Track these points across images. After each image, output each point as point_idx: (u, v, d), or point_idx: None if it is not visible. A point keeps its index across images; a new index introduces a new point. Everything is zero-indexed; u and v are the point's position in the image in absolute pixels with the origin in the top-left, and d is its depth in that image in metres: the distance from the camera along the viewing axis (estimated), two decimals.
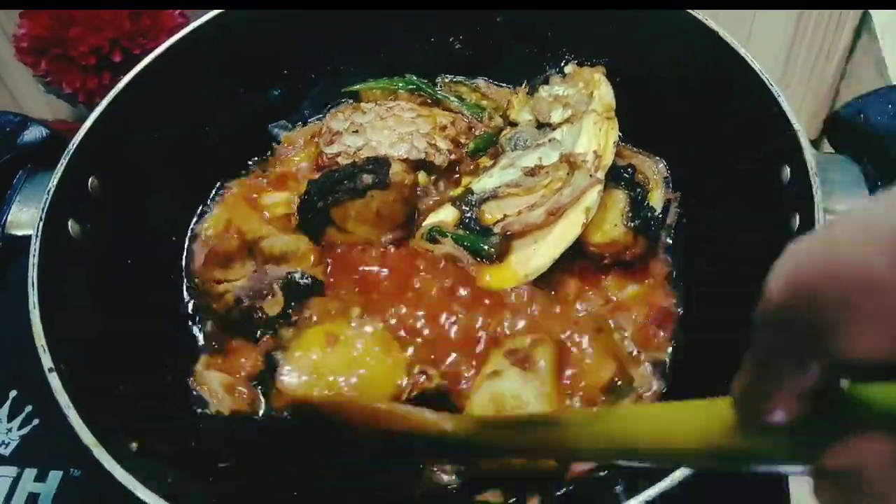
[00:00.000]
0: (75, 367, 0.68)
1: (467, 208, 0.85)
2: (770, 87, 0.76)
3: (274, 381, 0.75)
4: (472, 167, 0.93)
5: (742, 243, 0.78)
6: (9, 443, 0.91)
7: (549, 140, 0.87)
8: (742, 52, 0.79)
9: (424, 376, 0.75)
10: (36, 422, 0.93)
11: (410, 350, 0.78)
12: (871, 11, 1.13)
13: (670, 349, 0.82)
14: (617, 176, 0.85)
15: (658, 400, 0.78)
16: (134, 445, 0.68)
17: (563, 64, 0.97)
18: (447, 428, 0.55)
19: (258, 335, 0.82)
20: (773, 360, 0.32)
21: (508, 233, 0.82)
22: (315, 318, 0.80)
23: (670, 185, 0.92)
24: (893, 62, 1.07)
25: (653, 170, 0.92)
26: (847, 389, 0.32)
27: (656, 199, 0.89)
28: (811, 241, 0.29)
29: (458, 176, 0.94)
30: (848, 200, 0.72)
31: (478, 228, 0.84)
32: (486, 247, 0.83)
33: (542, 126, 0.92)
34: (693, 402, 0.39)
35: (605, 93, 0.89)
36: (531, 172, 0.85)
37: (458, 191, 0.89)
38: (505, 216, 0.83)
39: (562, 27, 0.97)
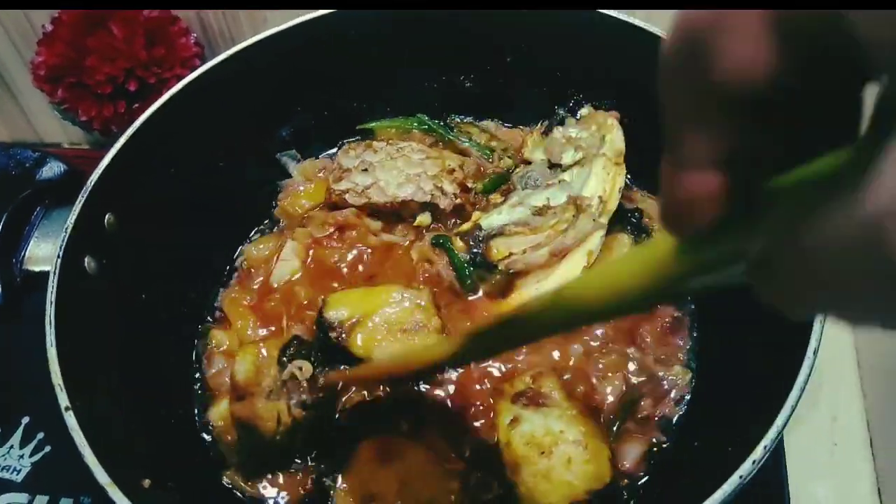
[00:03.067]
0: (91, 405, 0.69)
1: (474, 243, 0.87)
2: None
3: None
4: (483, 203, 0.95)
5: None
6: (21, 469, 0.92)
7: (560, 181, 0.89)
8: None
9: (482, 486, 0.75)
10: (48, 449, 0.94)
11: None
12: None
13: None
14: (623, 219, 0.87)
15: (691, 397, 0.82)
16: (147, 482, 0.70)
17: (571, 104, 0.99)
18: (446, 352, 0.59)
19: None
20: (677, 125, 0.34)
21: (511, 271, 0.84)
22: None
23: None
24: None
25: None
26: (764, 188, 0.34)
27: None
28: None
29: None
30: None
31: (483, 264, 0.86)
32: (469, 279, 0.86)
33: (553, 166, 0.93)
34: (634, 249, 0.42)
35: (616, 138, 0.90)
36: (539, 212, 0.87)
37: (467, 226, 0.90)
38: (511, 254, 0.85)
39: (570, 67, 0.98)
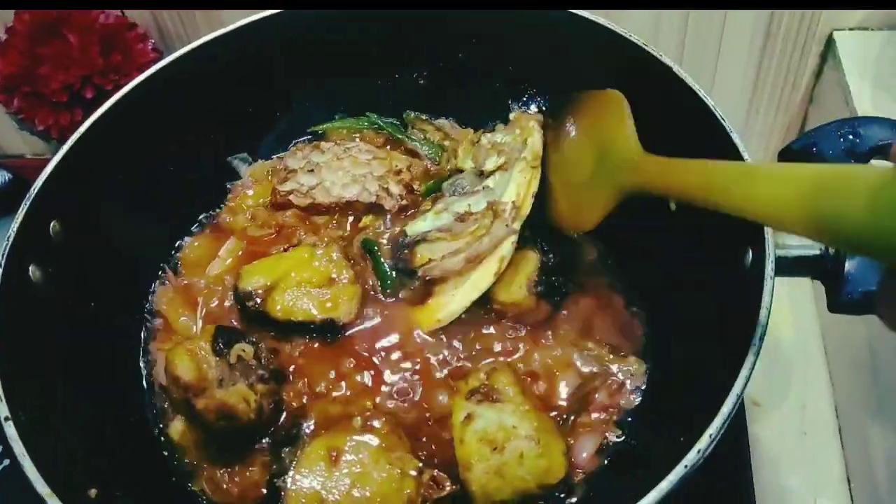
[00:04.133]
0: (34, 415, 0.68)
1: (398, 249, 0.87)
2: (721, 121, 0.77)
3: None
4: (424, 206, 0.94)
5: (696, 279, 0.78)
6: None
7: (484, 187, 0.89)
8: (693, 84, 0.80)
9: (435, 485, 0.74)
10: (6, 462, 0.93)
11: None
12: (836, 38, 1.14)
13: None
14: (540, 237, 0.86)
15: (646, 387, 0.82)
16: (93, 492, 0.69)
17: (524, 98, 0.98)
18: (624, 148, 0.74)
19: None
20: None
21: (429, 277, 0.84)
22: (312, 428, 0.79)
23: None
24: (857, 88, 1.08)
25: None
26: None
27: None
28: None
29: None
30: None
31: (405, 270, 0.86)
32: (389, 285, 0.87)
33: (481, 173, 0.93)
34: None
35: (535, 140, 0.89)
36: (461, 218, 0.86)
37: (394, 231, 0.90)
38: (430, 260, 0.85)
39: (522, 61, 0.98)
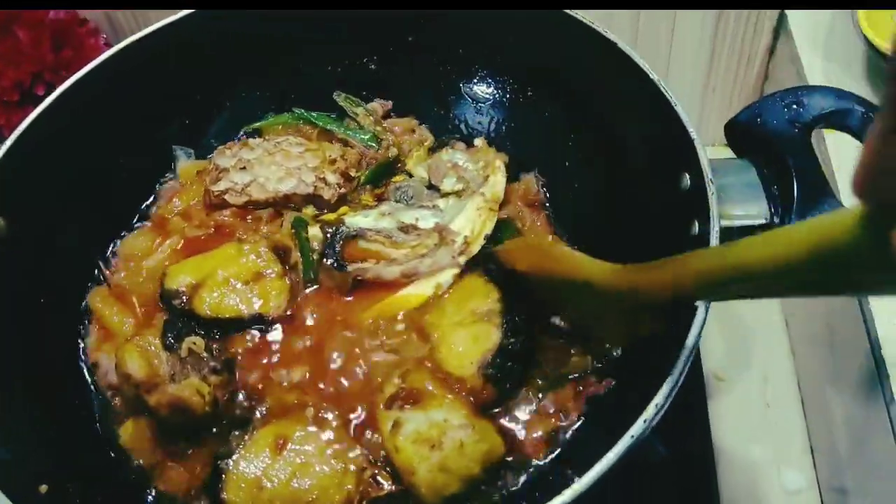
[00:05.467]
0: None
1: (331, 237, 0.86)
2: (667, 95, 0.77)
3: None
4: (356, 199, 0.94)
5: (646, 250, 0.79)
6: None
7: (433, 205, 0.88)
8: (637, 58, 0.80)
9: (375, 484, 0.74)
10: None
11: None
12: (787, 12, 1.15)
13: None
14: (506, 314, 0.77)
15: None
16: (44, 488, 0.68)
17: (475, 80, 0.98)
18: (595, 277, 0.62)
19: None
20: None
21: (359, 278, 0.84)
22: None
23: None
24: (808, 62, 1.09)
25: None
26: None
27: None
28: None
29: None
30: (745, 205, 0.73)
31: (336, 262, 0.84)
32: (312, 274, 0.85)
33: (432, 187, 0.93)
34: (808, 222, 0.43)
35: (498, 182, 0.89)
36: (405, 229, 0.86)
37: (331, 216, 0.90)
38: (364, 259, 0.84)
39: (470, 42, 0.98)
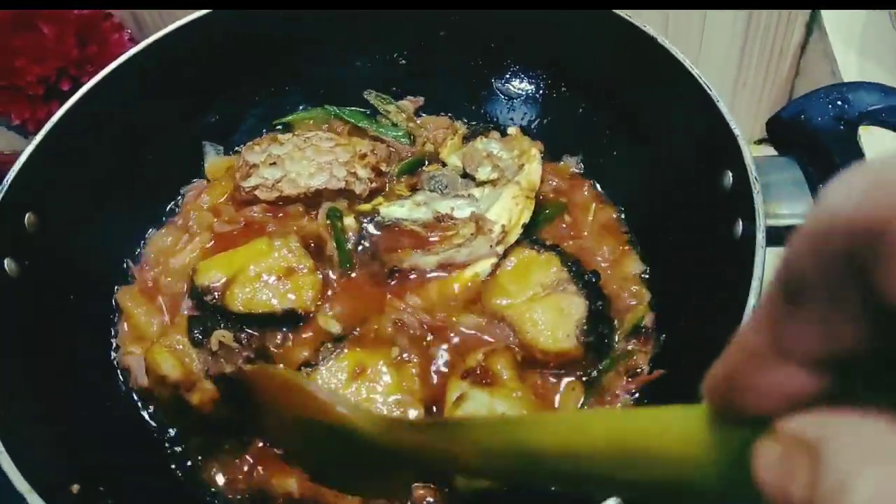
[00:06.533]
0: (11, 411, 0.66)
1: (366, 227, 0.85)
2: (708, 91, 0.75)
3: None
4: (390, 189, 0.93)
5: (689, 251, 0.77)
6: None
7: (469, 195, 0.87)
8: (678, 54, 0.79)
9: None
10: None
11: None
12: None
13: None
14: (578, 278, 0.78)
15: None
16: (76, 488, 0.67)
17: (507, 75, 0.97)
18: (358, 424, 0.52)
19: None
20: (805, 292, 0.26)
21: (396, 267, 0.83)
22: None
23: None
24: (843, 58, 1.07)
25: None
26: None
27: None
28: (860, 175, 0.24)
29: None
30: (790, 203, 0.72)
31: (372, 251, 0.84)
32: (347, 259, 0.85)
33: (466, 176, 0.91)
34: (659, 408, 0.33)
35: (534, 170, 0.88)
36: (440, 219, 0.85)
37: (367, 207, 0.89)
38: (399, 250, 0.83)
39: (502, 37, 0.96)
